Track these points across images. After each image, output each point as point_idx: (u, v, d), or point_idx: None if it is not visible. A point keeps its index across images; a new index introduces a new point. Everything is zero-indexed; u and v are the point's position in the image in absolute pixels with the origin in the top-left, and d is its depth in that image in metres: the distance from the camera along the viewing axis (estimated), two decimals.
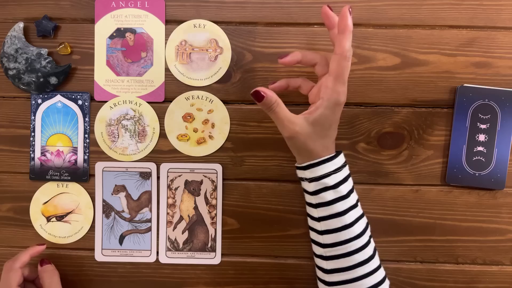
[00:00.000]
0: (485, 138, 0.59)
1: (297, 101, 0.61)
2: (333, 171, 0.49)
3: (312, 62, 0.52)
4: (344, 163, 0.51)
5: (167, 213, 0.62)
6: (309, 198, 0.52)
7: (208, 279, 0.63)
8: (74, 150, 0.62)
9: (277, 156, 0.61)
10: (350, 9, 0.45)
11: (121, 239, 0.62)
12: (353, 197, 0.51)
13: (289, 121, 0.48)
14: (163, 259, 0.62)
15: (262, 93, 0.46)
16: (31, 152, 0.62)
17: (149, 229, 0.62)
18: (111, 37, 0.61)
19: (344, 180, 0.50)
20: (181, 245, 0.62)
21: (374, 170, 0.61)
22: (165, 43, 0.60)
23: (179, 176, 0.62)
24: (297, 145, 0.50)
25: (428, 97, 0.60)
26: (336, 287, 0.50)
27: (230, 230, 0.62)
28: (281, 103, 0.48)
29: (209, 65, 0.60)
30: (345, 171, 0.51)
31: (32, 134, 0.62)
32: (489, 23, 0.59)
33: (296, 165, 0.53)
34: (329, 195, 0.49)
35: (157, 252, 0.62)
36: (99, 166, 0.62)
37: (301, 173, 0.52)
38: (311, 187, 0.50)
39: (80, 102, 0.61)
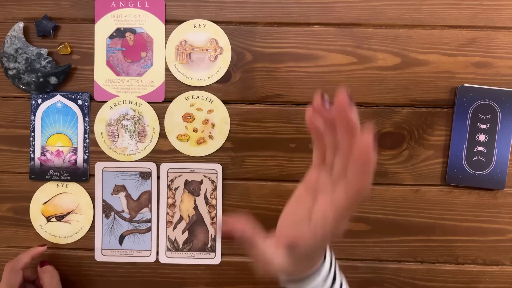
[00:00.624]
0: (485, 138, 0.59)
1: (297, 101, 0.61)
2: (320, 282, 0.39)
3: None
4: (330, 258, 0.40)
5: (167, 213, 0.62)
6: None
7: (208, 279, 0.63)
8: (74, 150, 0.62)
9: (277, 156, 0.61)
10: (373, 138, 0.28)
11: (121, 239, 0.62)
12: None
13: (266, 263, 0.37)
14: (163, 259, 0.62)
15: (231, 231, 0.36)
16: (31, 152, 0.62)
17: (149, 229, 0.62)
18: (111, 37, 0.61)
19: (333, 283, 0.40)
20: (181, 245, 0.62)
21: (374, 170, 0.61)
22: (165, 43, 0.60)
23: (179, 176, 0.62)
24: (275, 275, 0.38)
25: (428, 97, 0.60)
26: None
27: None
28: (257, 240, 0.37)
29: (209, 65, 0.60)
30: (332, 270, 0.40)
31: (32, 134, 0.62)
32: (489, 23, 0.59)
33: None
34: None
35: (157, 252, 0.62)
36: (99, 166, 0.62)
37: (284, 283, 0.41)
38: None
39: (80, 102, 0.61)
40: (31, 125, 0.61)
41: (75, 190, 0.62)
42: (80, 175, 0.62)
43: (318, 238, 0.33)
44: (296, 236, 0.35)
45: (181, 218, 0.62)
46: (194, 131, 0.61)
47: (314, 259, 0.37)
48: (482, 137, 0.59)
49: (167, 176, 0.61)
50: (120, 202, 0.62)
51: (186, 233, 0.62)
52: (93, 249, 0.62)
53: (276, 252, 0.36)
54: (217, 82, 0.60)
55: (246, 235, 0.36)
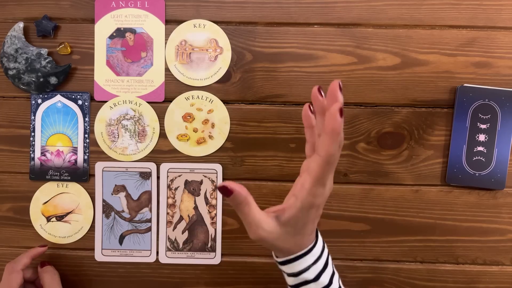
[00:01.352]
0: (485, 138, 0.59)
1: (297, 101, 0.61)
2: (312, 263, 0.43)
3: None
4: (323, 247, 0.45)
5: (167, 213, 0.62)
6: (289, 286, 0.46)
7: (208, 279, 0.63)
8: (74, 150, 0.62)
9: (277, 156, 0.61)
10: (341, 109, 0.35)
11: (121, 239, 0.62)
12: (335, 282, 0.45)
13: (256, 225, 0.41)
14: (163, 259, 0.62)
15: (229, 188, 0.40)
16: (31, 152, 0.62)
17: (149, 229, 0.62)
18: (111, 37, 0.61)
19: (324, 267, 0.44)
20: (181, 245, 0.62)
21: (374, 170, 0.61)
22: (165, 43, 0.60)
23: (179, 176, 0.62)
24: (266, 246, 0.43)
25: (428, 97, 0.60)
26: None
27: (230, 230, 0.62)
28: (251, 202, 0.41)
29: (209, 65, 0.60)
30: (324, 256, 0.45)
31: (32, 134, 0.62)
32: (489, 23, 0.59)
33: (274, 257, 0.47)
34: None
35: (157, 252, 0.62)
36: (99, 166, 0.62)
37: (279, 265, 0.46)
38: (290, 281, 0.45)
39: (80, 102, 0.61)
40: (31, 125, 0.61)
41: (75, 190, 0.62)
42: (80, 175, 0.62)
43: (298, 204, 0.39)
44: (282, 206, 0.42)
45: (181, 218, 0.62)
46: (194, 131, 0.61)
47: (299, 231, 0.41)
48: (482, 137, 0.59)
49: (167, 176, 0.61)
50: (120, 202, 0.62)
51: (186, 233, 0.62)
52: (93, 249, 0.62)
53: (266, 218, 0.41)
54: (217, 82, 0.61)
55: (241, 194, 0.40)
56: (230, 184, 0.40)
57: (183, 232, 0.62)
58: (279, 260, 0.45)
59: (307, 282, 0.44)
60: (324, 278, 0.44)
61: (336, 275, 0.46)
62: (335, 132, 0.35)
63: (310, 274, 0.43)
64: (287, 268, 0.44)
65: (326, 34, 0.60)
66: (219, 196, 0.61)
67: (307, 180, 0.39)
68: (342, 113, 0.36)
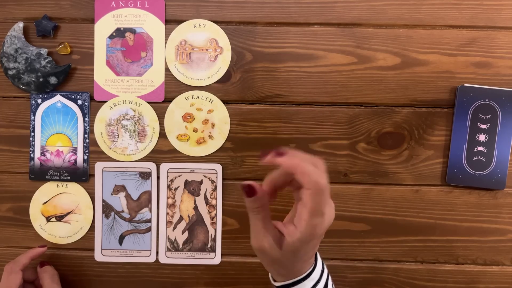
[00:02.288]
0: (486, 138, 0.59)
1: (297, 101, 0.61)
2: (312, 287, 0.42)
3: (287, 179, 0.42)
4: (322, 269, 0.44)
5: (167, 213, 0.62)
6: None
7: (208, 279, 0.63)
8: (74, 150, 0.62)
9: None
10: (278, 153, 0.38)
11: (121, 239, 0.62)
12: None
13: (263, 234, 0.39)
14: (163, 259, 0.62)
15: (255, 189, 0.39)
16: (30, 152, 0.62)
17: (149, 229, 0.62)
18: (111, 37, 0.61)
19: None
20: (181, 245, 0.62)
21: (374, 170, 0.61)
22: (165, 43, 0.60)
23: (179, 176, 0.61)
24: (265, 260, 0.41)
25: (428, 97, 0.60)
26: None
27: (230, 230, 0.62)
28: (267, 210, 0.40)
29: (209, 65, 0.60)
30: (324, 278, 0.43)
31: (32, 134, 0.61)
32: (489, 23, 0.59)
33: (271, 280, 0.45)
34: None
35: (157, 252, 0.62)
36: (99, 166, 0.62)
37: None
38: None
39: (80, 102, 0.61)
40: (31, 125, 0.61)
41: (75, 190, 0.62)
42: (80, 175, 0.62)
43: (298, 236, 0.38)
44: (285, 228, 0.40)
45: (181, 218, 0.62)
46: (194, 131, 0.61)
47: (300, 259, 0.40)
48: (482, 137, 0.59)
49: (167, 176, 0.61)
50: (120, 202, 0.62)
51: (186, 233, 0.62)
52: (93, 249, 0.62)
53: (275, 232, 0.40)
54: (217, 82, 0.60)
55: (264, 197, 0.40)
56: (255, 184, 0.40)
57: (183, 232, 0.62)
58: (277, 284, 0.43)
59: None
60: None
61: None
62: (297, 171, 0.37)
63: None
64: None
65: (326, 34, 0.60)
66: (219, 196, 0.61)
67: (303, 212, 0.38)
68: (282, 154, 0.38)
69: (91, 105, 0.61)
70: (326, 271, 0.44)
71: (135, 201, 0.62)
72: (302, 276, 0.41)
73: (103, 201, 0.62)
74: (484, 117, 0.59)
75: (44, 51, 0.59)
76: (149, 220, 0.62)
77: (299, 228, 0.38)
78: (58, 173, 0.61)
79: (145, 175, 0.62)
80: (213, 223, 0.62)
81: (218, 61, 0.60)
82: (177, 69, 0.60)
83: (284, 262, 0.40)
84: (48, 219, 0.62)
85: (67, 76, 0.61)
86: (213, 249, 0.62)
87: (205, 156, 0.61)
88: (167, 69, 0.61)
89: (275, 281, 0.44)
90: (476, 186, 0.60)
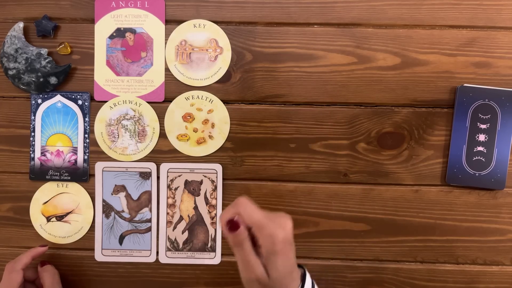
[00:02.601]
0: (485, 138, 0.59)
1: (297, 101, 0.61)
2: None
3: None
4: (312, 284, 0.44)
5: (167, 213, 0.62)
6: None
7: (208, 279, 0.63)
8: (74, 150, 0.62)
9: (277, 156, 0.61)
10: (229, 223, 0.40)
11: (121, 239, 0.62)
12: None
13: (254, 263, 0.40)
14: (163, 259, 0.62)
15: (238, 221, 0.40)
16: (31, 152, 0.62)
17: (149, 229, 0.62)
18: (111, 37, 0.61)
19: None
20: (181, 245, 0.62)
21: (374, 170, 0.61)
22: (165, 43, 0.60)
23: (179, 176, 0.62)
24: None
25: (428, 97, 0.60)
26: None
27: None
28: (248, 241, 0.41)
29: (209, 65, 0.60)
30: None
31: (32, 134, 0.62)
32: (489, 23, 0.59)
33: None
34: None
35: (157, 252, 0.62)
36: (99, 166, 0.62)
37: None
38: None
39: (80, 102, 0.61)
40: (31, 125, 0.61)
41: (75, 190, 0.62)
42: (80, 175, 0.62)
43: (264, 255, 0.40)
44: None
45: (181, 218, 0.62)
46: (194, 131, 0.61)
47: (281, 270, 0.41)
48: (482, 137, 0.59)
49: (167, 176, 0.61)
50: (120, 202, 0.62)
51: (186, 233, 0.62)
52: (93, 249, 0.62)
53: (258, 262, 0.41)
54: (217, 82, 0.60)
55: (245, 230, 0.40)
56: (235, 217, 0.40)
57: (183, 232, 0.62)
58: None
59: None
60: None
61: None
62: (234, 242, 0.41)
63: None
64: None
65: (326, 34, 0.60)
66: (219, 196, 0.61)
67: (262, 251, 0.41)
68: (231, 224, 0.40)
69: (91, 105, 0.61)
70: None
71: (135, 201, 0.62)
72: None
73: (103, 201, 0.62)
74: (484, 117, 0.59)
75: (44, 51, 0.59)
76: (149, 220, 0.62)
77: (264, 247, 0.40)
78: (58, 173, 0.61)
79: (145, 175, 0.62)
80: (213, 223, 0.62)
81: (218, 61, 0.60)
82: (177, 69, 0.60)
83: (275, 286, 0.41)
84: (48, 219, 0.62)
85: (67, 76, 0.61)
86: (213, 249, 0.62)
87: (205, 156, 0.61)
88: (167, 69, 0.61)
89: None
90: (476, 186, 0.60)
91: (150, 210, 0.62)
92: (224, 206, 0.62)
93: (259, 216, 0.41)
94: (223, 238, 0.62)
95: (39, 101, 0.61)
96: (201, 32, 0.60)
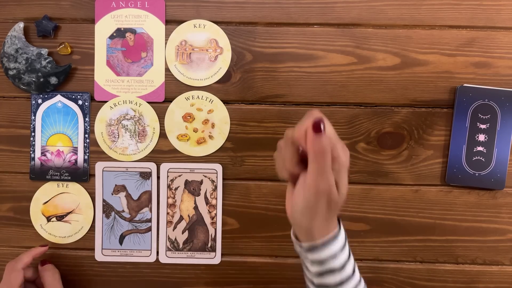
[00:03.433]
0: (485, 138, 0.59)
1: (297, 101, 0.61)
2: (338, 250, 0.42)
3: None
4: (345, 237, 0.44)
5: (167, 213, 0.62)
6: (310, 276, 0.44)
7: (208, 279, 0.63)
8: (74, 150, 0.62)
9: None
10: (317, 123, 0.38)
11: (121, 239, 0.62)
12: (357, 273, 0.44)
13: (330, 173, 0.39)
14: (163, 259, 0.62)
15: (324, 127, 0.38)
16: (31, 152, 0.62)
17: (149, 229, 0.62)
18: (111, 37, 0.61)
19: (348, 257, 0.44)
20: (181, 245, 0.62)
21: (374, 170, 0.61)
22: (165, 43, 0.60)
23: (179, 176, 0.62)
24: (320, 208, 0.41)
25: (428, 97, 0.60)
26: None
27: (230, 230, 0.62)
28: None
29: (209, 65, 0.60)
30: (347, 246, 0.44)
31: (32, 134, 0.62)
32: (489, 23, 0.59)
33: (294, 237, 0.45)
34: (334, 278, 0.42)
35: (157, 252, 0.62)
36: (99, 166, 0.62)
37: (300, 251, 0.44)
38: (314, 269, 0.43)
39: (80, 102, 0.61)
40: (31, 125, 0.62)
41: (75, 190, 0.62)
42: (80, 175, 0.62)
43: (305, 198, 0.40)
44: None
45: (181, 218, 0.62)
46: (194, 131, 0.61)
47: (316, 216, 0.41)
48: (481, 137, 0.59)
49: (167, 176, 0.62)
50: (120, 202, 0.62)
51: (186, 233, 0.62)
52: (93, 249, 0.62)
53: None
54: (217, 82, 0.61)
55: (328, 140, 0.39)
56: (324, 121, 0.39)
57: (183, 232, 0.62)
58: (306, 245, 0.42)
59: (332, 270, 0.42)
60: (349, 268, 0.43)
61: (357, 267, 0.45)
62: (317, 153, 0.39)
63: (337, 263, 0.42)
64: (312, 255, 0.42)
65: (326, 34, 0.60)
66: (219, 196, 0.62)
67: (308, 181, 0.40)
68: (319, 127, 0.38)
69: (91, 105, 0.61)
70: (347, 242, 0.45)
71: (136, 201, 0.62)
72: (329, 237, 0.42)
73: (104, 201, 0.62)
74: (484, 117, 0.59)
75: (44, 51, 0.59)
76: (150, 220, 0.62)
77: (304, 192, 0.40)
78: (58, 173, 0.62)
79: (146, 175, 0.62)
80: (213, 223, 0.62)
81: (218, 61, 0.60)
82: (177, 69, 0.60)
83: (335, 207, 0.41)
84: (48, 219, 0.62)
85: (67, 76, 0.61)
86: (213, 249, 0.62)
87: (205, 156, 0.61)
88: (167, 69, 0.61)
89: (302, 242, 0.43)
90: (475, 186, 0.60)
91: (150, 210, 0.62)
92: (224, 206, 0.62)
93: (333, 130, 0.40)
94: (223, 238, 0.62)
95: (40, 101, 0.61)
96: (201, 32, 0.60)
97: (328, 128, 0.39)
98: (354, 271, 0.44)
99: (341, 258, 0.42)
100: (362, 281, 0.45)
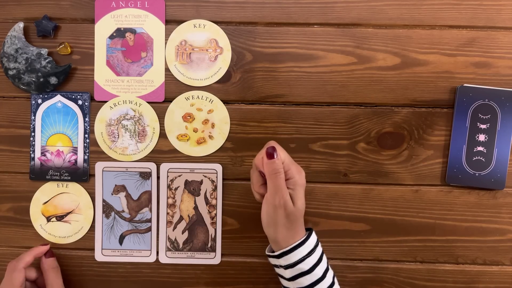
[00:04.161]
0: (485, 138, 0.59)
1: (297, 101, 0.61)
2: (306, 254, 0.49)
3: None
4: (317, 242, 0.51)
5: (167, 213, 0.62)
6: (286, 283, 0.51)
7: (208, 279, 0.63)
8: (74, 150, 0.62)
9: None
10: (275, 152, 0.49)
11: (121, 239, 0.62)
12: (329, 276, 0.50)
13: (285, 189, 0.49)
14: (163, 259, 0.62)
15: (276, 154, 0.48)
16: (31, 152, 0.62)
17: (149, 229, 0.62)
18: (111, 37, 0.61)
19: (319, 261, 0.50)
20: (181, 245, 0.62)
21: (374, 170, 0.61)
22: (165, 43, 0.60)
23: (179, 176, 0.62)
24: (278, 219, 0.49)
25: (428, 97, 0.60)
26: None
27: (230, 230, 0.62)
28: (283, 173, 0.49)
29: (209, 65, 0.60)
30: (318, 251, 0.50)
31: (32, 134, 0.62)
32: (489, 23, 0.59)
33: (267, 253, 0.52)
34: (306, 280, 0.49)
35: (157, 252, 0.62)
36: (99, 166, 0.62)
37: (275, 261, 0.51)
38: (287, 274, 0.50)
39: (80, 102, 0.61)
40: (31, 125, 0.62)
41: (75, 190, 0.62)
42: (80, 175, 0.62)
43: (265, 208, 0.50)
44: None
45: (181, 218, 0.62)
46: (194, 131, 0.61)
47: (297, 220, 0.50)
48: (482, 137, 0.59)
49: (167, 176, 0.61)
50: (120, 202, 0.62)
51: (186, 233, 0.62)
52: (93, 249, 0.62)
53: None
54: (217, 82, 0.61)
55: (280, 163, 0.49)
56: (277, 151, 0.48)
57: (183, 232, 0.62)
58: (277, 253, 0.49)
59: (302, 273, 0.49)
60: (318, 271, 0.49)
61: (331, 272, 0.51)
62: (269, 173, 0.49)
63: (305, 265, 0.48)
64: (284, 261, 0.49)
65: (326, 34, 0.60)
66: (219, 196, 0.62)
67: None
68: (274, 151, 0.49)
69: (91, 105, 0.61)
70: (320, 247, 0.51)
71: (135, 201, 0.62)
72: (297, 242, 0.48)
73: (104, 201, 0.62)
74: (484, 117, 0.59)
75: (44, 51, 0.59)
76: (149, 220, 0.62)
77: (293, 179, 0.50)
78: (58, 173, 0.62)
79: (145, 175, 0.62)
80: (213, 223, 0.62)
81: (218, 61, 0.60)
82: (177, 69, 0.60)
83: (294, 217, 0.48)
84: (48, 219, 0.62)
85: (67, 76, 0.61)
86: (213, 249, 0.62)
87: (205, 156, 0.61)
88: (167, 69, 0.61)
89: (273, 252, 0.51)
90: (475, 186, 0.60)
91: (150, 210, 0.62)
92: (224, 206, 0.62)
93: (287, 156, 0.50)
94: (223, 238, 0.62)
95: (39, 101, 0.61)
96: (201, 32, 0.60)
97: (282, 154, 0.49)
98: (324, 275, 0.49)
99: (310, 261, 0.49)
100: (336, 285, 0.51)
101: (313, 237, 0.50)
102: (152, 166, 0.61)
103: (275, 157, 0.48)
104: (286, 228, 0.48)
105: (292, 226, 0.49)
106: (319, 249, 0.51)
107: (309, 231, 0.51)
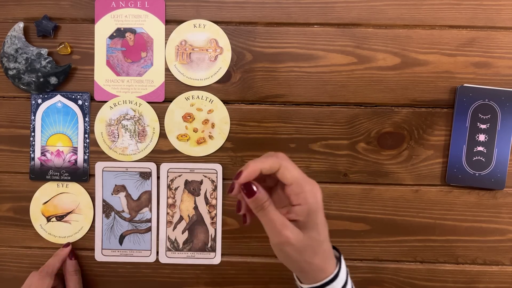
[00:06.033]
0: (485, 138, 0.59)
1: (297, 101, 0.61)
2: None
3: (274, 169, 0.41)
4: (347, 272, 0.43)
5: (167, 213, 0.62)
6: None
7: (208, 279, 0.63)
8: (74, 150, 0.62)
9: None
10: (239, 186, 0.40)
11: (121, 239, 0.62)
12: None
13: (282, 223, 0.39)
14: (163, 259, 0.62)
15: (254, 187, 0.39)
16: (31, 152, 0.62)
17: (149, 229, 0.62)
18: (111, 37, 0.61)
19: None
20: (181, 245, 0.62)
21: (374, 170, 0.61)
22: (165, 43, 0.60)
23: (179, 176, 0.62)
24: (291, 257, 0.40)
25: (428, 97, 0.60)
26: None
27: (230, 230, 0.62)
28: (271, 200, 0.40)
29: (209, 65, 0.60)
30: (349, 283, 0.43)
31: (32, 134, 0.62)
32: (489, 23, 0.59)
33: (299, 284, 0.44)
34: None
35: (157, 252, 0.62)
36: (99, 166, 0.62)
37: None
38: None
39: (80, 102, 0.61)
40: (31, 125, 0.62)
41: (75, 190, 0.62)
42: (80, 175, 0.62)
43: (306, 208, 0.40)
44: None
45: (181, 218, 0.62)
46: (194, 131, 0.61)
47: (321, 245, 0.41)
48: (482, 137, 0.59)
49: (167, 176, 0.61)
50: (120, 202, 0.62)
51: (186, 233, 0.62)
52: (93, 249, 0.62)
53: (287, 221, 0.39)
54: (217, 82, 0.61)
55: (265, 195, 0.39)
56: (250, 182, 0.39)
57: (183, 232, 0.62)
58: (306, 286, 0.42)
59: None
60: None
61: None
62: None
63: None
64: None
65: (326, 34, 0.60)
66: (219, 196, 0.62)
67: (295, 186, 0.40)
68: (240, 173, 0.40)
69: (91, 105, 0.61)
70: (349, 278, 0.44)
71: (135, 201, 0.62)
72: (330, 278, 0.40)
73: (103, 201, 0.62)
74: (484, 117, 0.59)
75: (44, 51, 0.59)
76: (149, 220, 0.62)
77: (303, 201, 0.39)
78: (58, 173, 0.62)
79: (145, 175, 0.62)
80: (213, 223, 0.62)
81: (218, 61, 0.60)
82: (177, 69, 0.60)
83: (309, 251, 0.39)
84: (48, 219, 0.62)
85: (67, 76, 0.61)
86: (213, 249, 0.62)
87: (205, 156, 0.61)
88: (167, 69, 0.61)
89: (302, 283, 0.43)
90: (475, 186, 0.60)
91: (150, 210, 0.62)
92: (224, 206, 0.62)
93: (299, 173, 0.39)
94: (223, 238, 0.62)
95: (39, 101, 0.61)
96: (201, 32, 0.60)
97: (292, 172, 0.39)
98: None
99: None
100: None
101: (343, 270, 0.42)
102: (152, 166, 0.61)
103: (255, 190, 0.39)
104: (306, 262, 0.40)
105: (313, 258, 0.40)
106: (350, 282, 0.43)
107: (337, 257, 0.43)
